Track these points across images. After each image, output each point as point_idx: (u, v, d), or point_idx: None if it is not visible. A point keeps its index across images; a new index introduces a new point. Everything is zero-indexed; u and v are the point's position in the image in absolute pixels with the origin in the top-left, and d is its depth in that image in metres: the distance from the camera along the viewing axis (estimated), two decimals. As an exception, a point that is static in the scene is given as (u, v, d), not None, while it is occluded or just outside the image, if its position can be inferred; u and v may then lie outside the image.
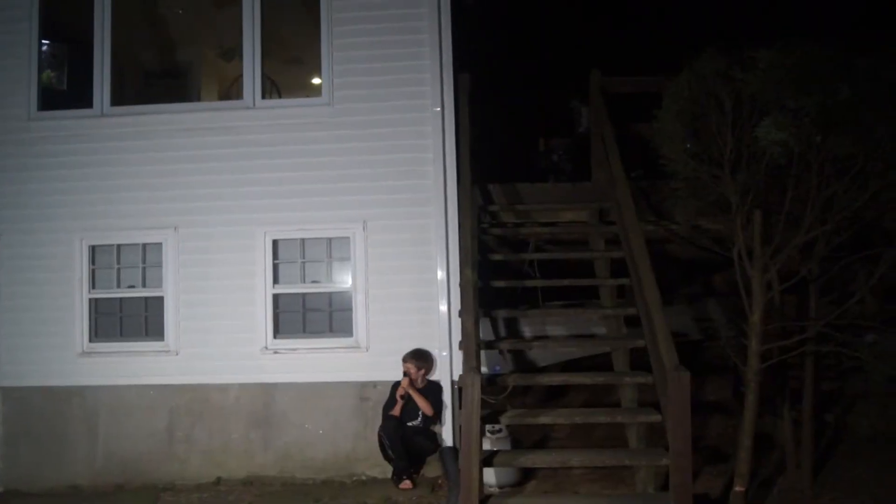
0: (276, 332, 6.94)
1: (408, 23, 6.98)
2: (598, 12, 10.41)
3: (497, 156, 7.74)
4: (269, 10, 7.17)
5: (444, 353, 6.63)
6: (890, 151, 5.39)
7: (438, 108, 6.86)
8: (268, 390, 6.88)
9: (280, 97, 8.11)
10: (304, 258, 7.01)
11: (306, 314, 7.02)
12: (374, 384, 6.71)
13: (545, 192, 7.54)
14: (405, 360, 6.45)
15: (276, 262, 6.98)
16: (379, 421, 6.40)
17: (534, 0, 10.04)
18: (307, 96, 7.74)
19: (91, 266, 7.15)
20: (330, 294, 7.00)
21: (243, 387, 6.90)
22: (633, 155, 6.97)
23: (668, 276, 7.18)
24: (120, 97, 7.40)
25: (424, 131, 6.89)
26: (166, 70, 9.11)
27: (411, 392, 6.30)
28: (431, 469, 6.48)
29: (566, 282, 6.93)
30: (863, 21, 8.49)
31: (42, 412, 7.02)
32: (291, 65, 8.49)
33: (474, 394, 5.24)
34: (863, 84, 5.45)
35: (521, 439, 6.60)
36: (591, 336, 7.56)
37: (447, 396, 6.57)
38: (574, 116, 8.41)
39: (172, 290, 7.03)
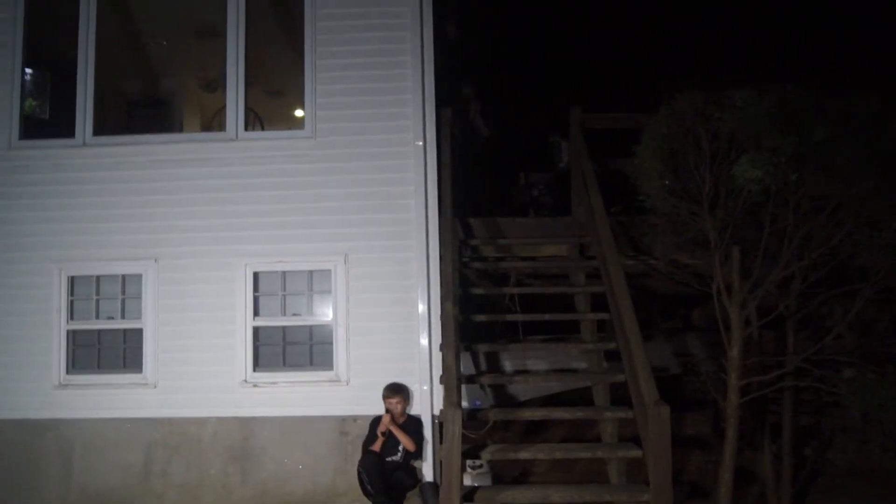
0: (256, 366, 6.87)
1: (391, 58, 7.02)
2: (579, 50, 10.56)
3: (478, 190, 7.79)
4: (254, 42, 7.19)
5: (425, 388, 6.57)
6: (863, 190, 5.51)
7: (420, 142, 6.87)
8: (246, 424, 6.79)
9: (263, 129, 8.11)
10: (284, 291, 6.97)
11: (286, 347, 6.95)
12: (355, 418, 6.63)
13: (526, 227, 7.57)
14: (388, 396, 6.35)
15: (256, 294, 6.94)
16: (358, 455, 6.31)
17: (516, 37, 10.19)
18: (290, 128, 7.72)
19: (69, 297, 7.06)
20: (310, 327, 6.94)
21: (222, 420, 6.81)
22: (613, 190, 7.01)
23: (648, 311, 7.24)
24: (102, 127, 7.34)
25: (406, 165, 6.91)
26: (149, 100, 9.10)
27: (393, 429, 6.22)
28: (411, 504, 6.43)
29: (547, 316, 6.95)
30: (836, 62, 8.68)
31: (15, 445, 6.88)
32: (274, 97, 8.52)
33: (455, 429, 5.22)
34: (836, 125, 5.57)
35: (502, 474, 6.56)
36: (572, 370, 7.56)
37: (428, 431, 6.50)
38: (554, 151, 8.48)
39: (152, 322, 6.95)
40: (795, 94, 5.70)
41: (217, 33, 7.28)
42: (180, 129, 8.83)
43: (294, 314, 6.97)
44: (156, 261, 6.99)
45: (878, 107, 5.60)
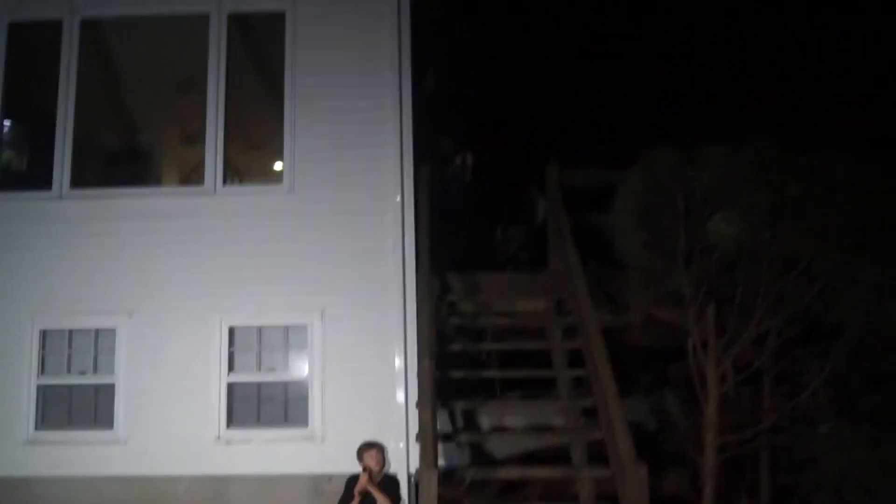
0: (230, 422, 6.76)
1: (370, 113, 7.09)
2: (557, 105, 10.74)
3: (456, 244, 7.79)
4: (233, 96, 7.26)
5: (402, 445, 6.51)
6: (834, 247, 5.58)
7: (399, 198, 6.91)
8: (220, 482, 6.65)
9: (241, 183, 8.10)
10: (260, 346, 6.92)
11: (261, 403, 6.87)
12: (329, 477, 6.48)
13: (503, 282, 7.58)
14: (364, 454, 6.22)
15: (231, 349, 6.87)
16: (334, 515, 6.20)
17: (495, 90, 10.35)
18: (268, 182, 7.81)
19: (41, 351, 6.96)
20: (286, 383, 6.87)
21: (195, 478, 6.66)
22: (591, 245, 7.03)
23: (626, 366, 7.15)
24: (79, 179, 7.32)
25: (384, 220, 6.93)
26: (128, 153, 9.08)
27: (371, 489, 6.09)
28: (387, 566, 6.28)
29: (523, 373, 6.92)
30: (810, 119, 8.87)
31: (-19, 504, 6.74)
32: (253, 150, 8.58)
33: (431, 489, 5.14)
34: (809, 181, 5.67)
35: (479, 534, 6.44)
36: (550, 428, 7.49)
37: (404, 490, 6.41)
38: (532, 206, 8.53)
39: (124, 378, 6.85)
40: (769, 151, 5.81)
41: (197, 87, 7.35)
42: (158, 183, 8.87)
43: (269, 370, 6.90)
44: (130, 315, 6.92)
45: (851, 163, 5.71)
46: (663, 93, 10.48)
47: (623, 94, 10.74)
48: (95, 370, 6.96)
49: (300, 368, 6.86)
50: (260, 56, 7.91)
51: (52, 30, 7.34)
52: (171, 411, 6.77)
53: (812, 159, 5.81)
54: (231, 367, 6.84)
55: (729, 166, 5.83)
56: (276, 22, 7.31)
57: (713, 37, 10.87)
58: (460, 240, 7.87)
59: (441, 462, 6.22)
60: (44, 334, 6.99)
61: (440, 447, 6.21)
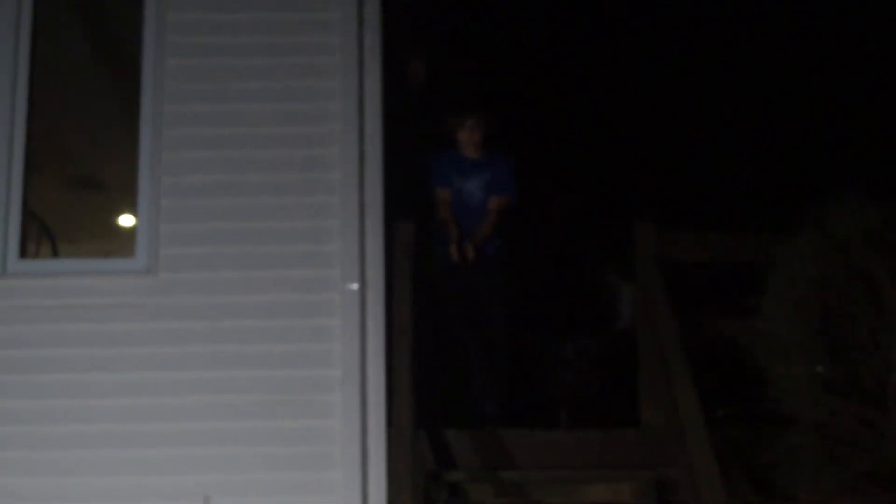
0: None
1: (303, 127, 7.08)
2: (649, 119, 10.92)
3: (461, 374, 7.93)
4: (47, 90, 7.21)
5: None
6: None
7: (355, 285, 6.70)
8: None
9: (56, 254, 8.03)
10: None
11: None
12: None
13: (552, 446, 7.50)
14: None
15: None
16: None
17: (534, 89, 10.65)
18: (108, 255, 7.65)
19: None
20: None
21: None
22: (717, 376, 7.16)
23: None
24: None
25: (329, 328, 6.68)
26: None
27: None
28: None
29: None
30: None
31: None
32: (80, 191, 8.66)
33: None
34: None
35: None
36: None
37: None
38: (607, 299, 8.65)
39: None
40: None
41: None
42: None
43: None
44: None
45: None
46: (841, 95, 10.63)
47: (765, 98, 10.95)
48: None
49: None
50: (99, 17, 7.89)
51: None
52: None
53: None
54: None
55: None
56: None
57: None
58: (471, 367, 7.94)
59: None
60: None
61: None
